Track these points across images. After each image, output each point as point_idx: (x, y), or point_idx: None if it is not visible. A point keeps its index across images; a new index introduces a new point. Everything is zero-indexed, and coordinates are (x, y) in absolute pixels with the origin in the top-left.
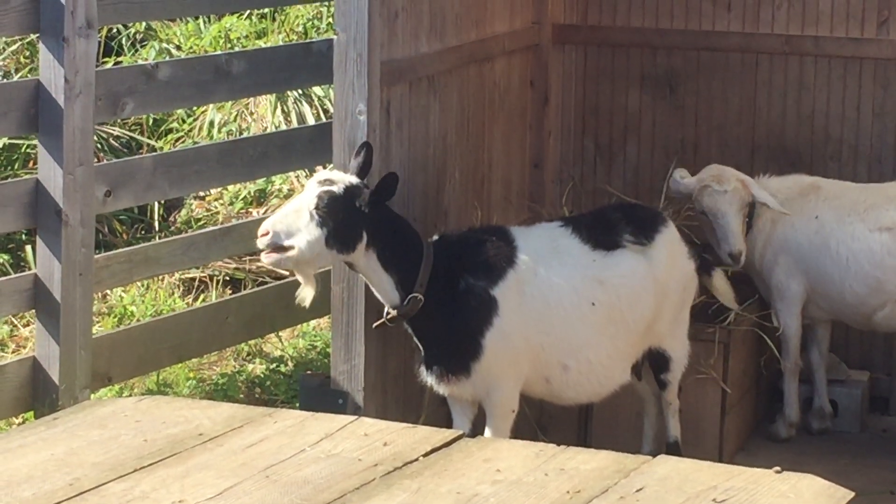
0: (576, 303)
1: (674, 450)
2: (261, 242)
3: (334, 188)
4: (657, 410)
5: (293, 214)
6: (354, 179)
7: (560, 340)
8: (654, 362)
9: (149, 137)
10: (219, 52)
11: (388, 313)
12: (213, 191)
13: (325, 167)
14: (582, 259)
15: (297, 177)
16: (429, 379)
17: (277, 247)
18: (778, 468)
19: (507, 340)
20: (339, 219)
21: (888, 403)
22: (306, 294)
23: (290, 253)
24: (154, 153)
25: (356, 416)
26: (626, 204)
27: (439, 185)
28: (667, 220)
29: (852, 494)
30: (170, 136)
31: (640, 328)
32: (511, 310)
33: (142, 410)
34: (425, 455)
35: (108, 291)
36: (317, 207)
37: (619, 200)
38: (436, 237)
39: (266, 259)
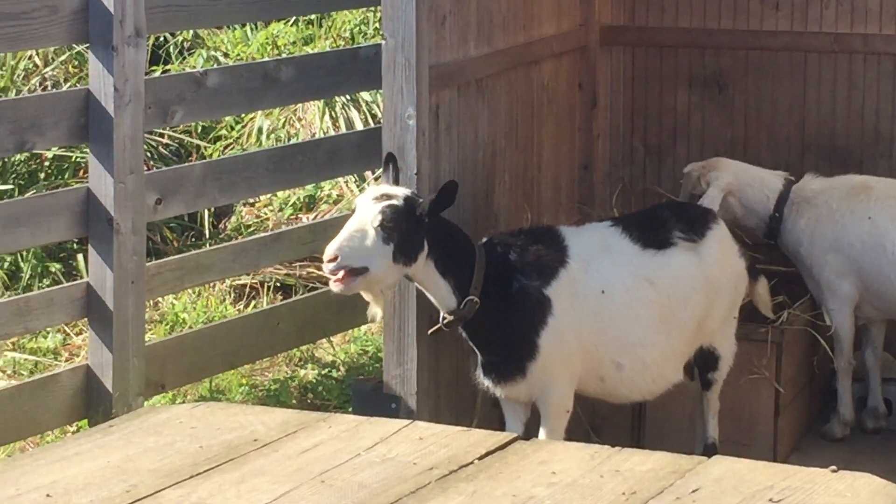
0: (627, 302)
1: (711, 452)
2: (329, 268)
3: (395, 202)
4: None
5: (358, 234)
6: (408, 190)
7: (613, 339)
8: (702, 360)
9: (200, 139)
10: (267, 59)
11: (443, 318)
12: (262, 197)
13: (373, 172)
14: (632, 258)
15: (346, 182)
16: (485, 381)
17: (348, 270)
18: (834, 467)
19: (561, 340)
20: (404, 232)
21: None
22: (377, 312)
23: (365, 275)
24: (204, 161)
25: (410, 420)
26: (676, 203)
27: (489, 188)
28: (717, 217)
29: None
30: (218, 144)
31: (691, 326)
32: (564, 309)
33: (197, 417)
34: (480, 458)
35: (160, 299)
36: (381, 224)
37: (668, 201)
38: (485, 239)
39: (337, 287)
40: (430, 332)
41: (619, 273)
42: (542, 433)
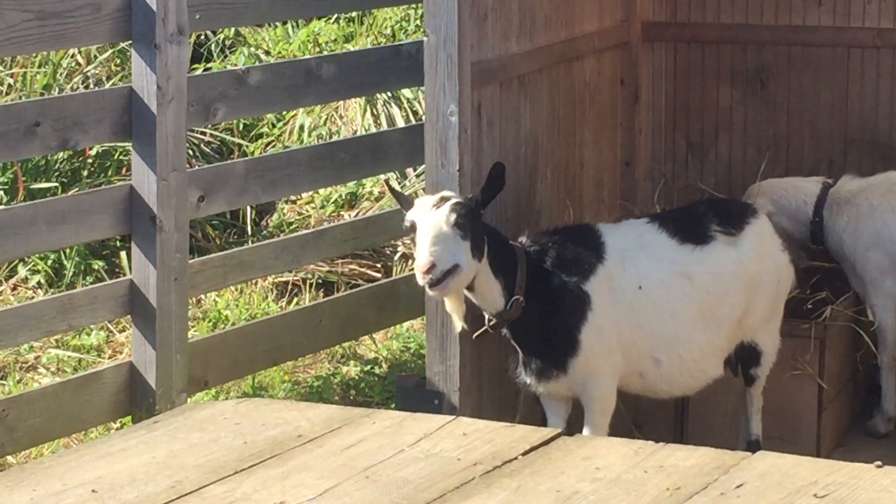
0: (664, 297)
1: (755, 448)
2: (427, 279)
3: (458, 199)
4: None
5: (439, 238)
6: (452, 193)
7: (650, 334)
8: (744, 356)
9: (241, 138)
10: (308, 57)
11: (490, 321)
12: (304, 194)
13: (415, 169)
14: (669, 253)
15: (388, 179)
16: (527, 378)
17: (442, 274)
18: (879, 462)
19: (601, 335)
20: (473, 227)
21: None
22: (459, 322)
23: (456, 273)
24: (246, 158)
25: (454, 416)
26: (714, 199)
27: (531, 184)
28: (757, 211)
29: None
30: (260, 141)
31: (731, 322)
32: (603, 304)
33: (241, 413)
34: (524, 454)
35: (203, 296)
36: (456, 222)
37: (710, 197)
38: (522, 238)
39: (437, 292)
40: (475, 336)
41: (656, 268)
42: (585, 429)
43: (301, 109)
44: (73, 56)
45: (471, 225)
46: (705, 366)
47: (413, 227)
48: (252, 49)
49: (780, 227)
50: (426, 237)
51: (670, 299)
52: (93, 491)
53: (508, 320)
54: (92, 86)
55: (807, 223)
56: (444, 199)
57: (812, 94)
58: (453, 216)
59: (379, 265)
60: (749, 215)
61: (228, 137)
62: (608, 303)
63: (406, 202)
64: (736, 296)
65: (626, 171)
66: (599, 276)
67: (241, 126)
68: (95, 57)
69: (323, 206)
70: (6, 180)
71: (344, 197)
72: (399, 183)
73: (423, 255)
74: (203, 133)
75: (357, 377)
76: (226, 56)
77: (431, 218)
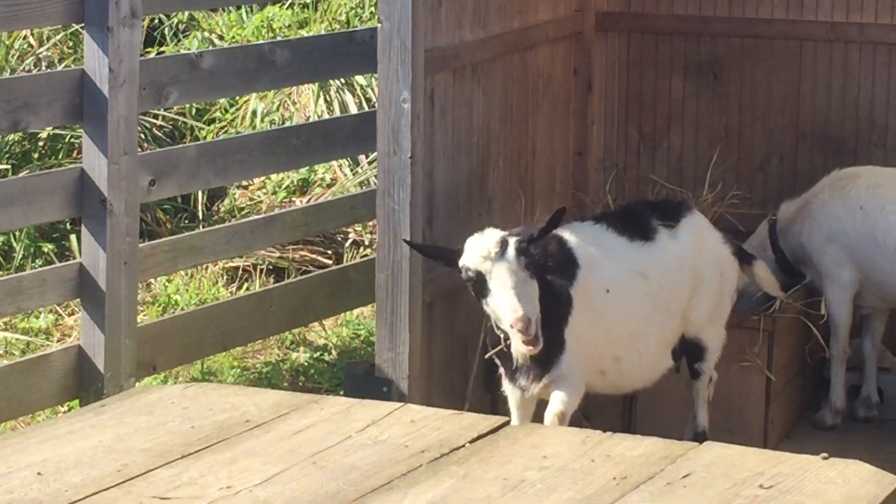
0: (626, 298)
1: (701, 440)
2: (528, 335)
3: (520, 238)
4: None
5: (520, 288)
6: (498, 231)
7: (614, 335)
8: (688, 351)
9: (195, 119)
10: (262, 42)
11: (506, 337)
12: (256, 180)
13: (367, 156)
14: (624, 253)
15: (340, 166)
16: (524, 382)
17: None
18: (825, 454)
19: (578, 338)
20: (534, 263)
21: None
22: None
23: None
24: (198, 143)
25: (402, 403)
26: (650, 200)
27: (483, 173)
28: (692, 206)
29: None
30: (213, 126)
31: (679, 314)
32: (579, 309)
33: (189, 397)
34: (472, 441)
35: (153, 280)
36: (526, 266)
37: (661, 188)
38: None
39: (533, 348)
40: (488, 356)
41: (618, 271)
42: (555, 408)
43: (254, 95)
44: (25, 38)
45: (534, 261)
46: (660, 358)
47: (479, 279)
48: (205, 33)
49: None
50: (506, 288)
51: (630, 299)
52: (38, 473)
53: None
54: (44, 68)
55: (775, 266)
56: (503, 242)
57: (764, 86)
58: (523, 259)
59: (330, 252)
60: (684, 210)
61: (181, 119)
62: (582, 308)
63: (444, 254)
64: (682, 288)
65: (578, 160)
66: (580, 282)
67: (194, 111)
68: (48, 38)
69: (275, 192)
70: None
71: (296, 183)
72: (351, 169)
73: (512, 309)
74: (155, 117)
75: (306, 363)
76: (179, 40)
77: (503, 266)
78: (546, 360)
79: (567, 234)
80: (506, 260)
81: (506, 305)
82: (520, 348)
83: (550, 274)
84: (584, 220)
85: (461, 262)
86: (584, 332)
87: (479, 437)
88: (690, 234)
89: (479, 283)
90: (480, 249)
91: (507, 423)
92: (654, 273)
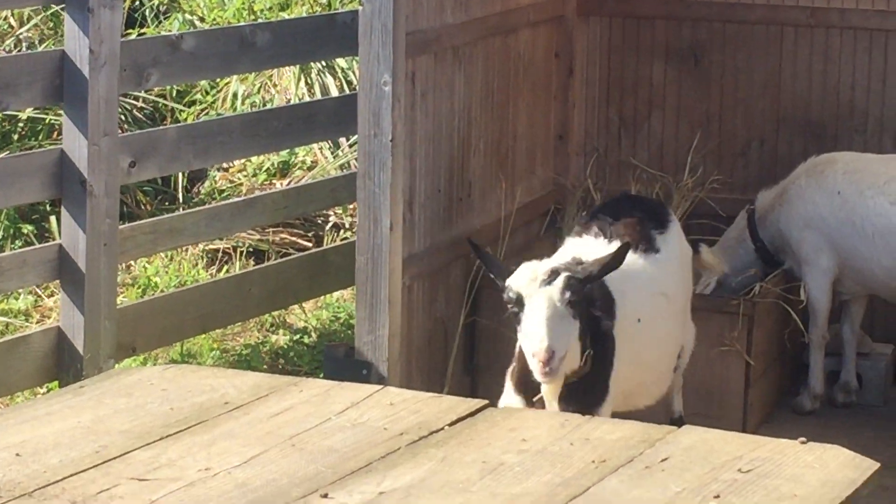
0: (654, 323)
1: (678, 424)
2: (549, 367)
3: (572, 273)
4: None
5: (554, 320)
6: (553, 262)
7: (643, 361)
8: None
9: (176, 102)
10: (243, 24)
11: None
12: (236, 162)
13: (347, 139)
14: (643, 274)
15: (321, 148)
16: None
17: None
18: (803, 439)
19: (616, 375)
20: (583, 304)
21: None
22: (554, 402)
23: (568, 357)
24: (178, 124)
25: (381, 386)
26: (633, 198)
27: (464, 156)
28: (669, 208)
29: (877, 465)
30: (193, 108)
31: (682, 321)
32: (620, 345)
33: (168, 379)
34: (451, 424)
35: (132, 262)
36: (569, 302)
37: (642, 173)
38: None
39: (548, 379)
40: (535, 399)
41: (643, 294)
42: None
43: (235, 77)
44: (5, 18)
45: (581, 303)
46: (671, 369)
47: (518, 301)
48: (186, 15)
49: (739, 284)
50: (539, 317)
51: (657, 324)
52: (17, 455)
53: (580, 377)
54: (24, 48)
55: (755, 255)
56: (554, 273)
57: (745, 71)
58: (567, 294)
59: (310, 234)
60: (669, 212)
61: (161, 101)
62: (621, 344)
63: (497, 267)
64: (682, 295)
65: (559, 144)
66: (618, 318)
67: (175, 93)
68: (28, 19)
69: (255, 175)
70: None
71: (276, 165)
72: (332, 152)
73: (538, 339)
74: (136, 99)
75: (286, 346)
76: (160, 21)
77: (544, 295)
78: (587, 406)
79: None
80: (550, 289)
81: (535, 334)
82: (536, 376)
83: (599, 310)
84: (573, 224)
85: (507, 281)
86: (621, 367)
87: (459, 419)
88: (676, 236)
89: (518, 306)
90: (529, 273)
91: (487, 406)
92: (671, 290)
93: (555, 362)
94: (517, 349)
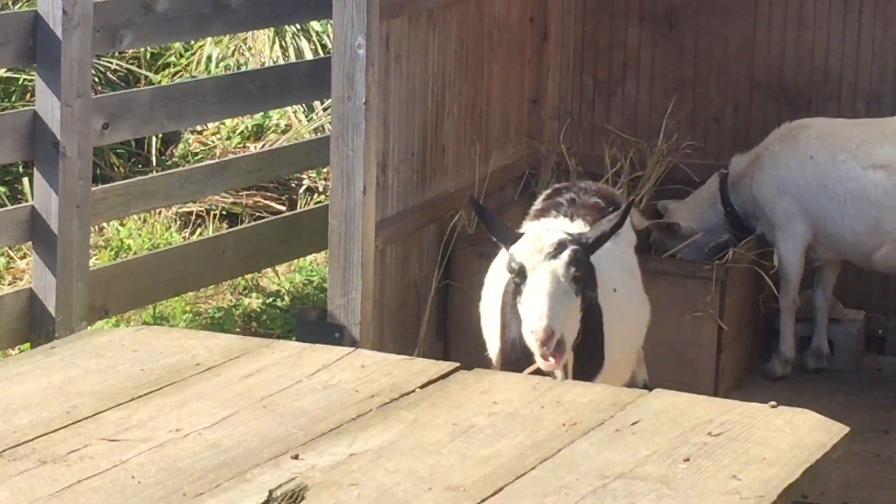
0: (626, 296)
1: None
2: (548, 347)
3: (577, 246)
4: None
5: (556, 297)
6: (562, 231)
7: (619, 334)
8: None
9: (147, 70)
10: None
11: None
12: (210, 125)
13: (322, 102)
14: (609, 250)
15: (294, 112)
16: None
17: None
18: (773, 403)
19: (610, 347)
20: (587, 277)
21: (884, 343)
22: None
23: (569, 346)
24: (152, 86)
25: (353, 348)
26: (589, 185)
27: (438, 120)
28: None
29: (847, 430)
30: (167, 71)
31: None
32: (606, 316)
33: (139, 340)
34: (422, 387)
35: (105, 224)
36: (574, 277)
37: (616, 137)
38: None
39: (549, 364)
40: (528, 372)
41: (614, 270)
42: None
43: (209, 39)
44: None
45: (585, 276)
46: (640, 344)
47: (521, 272)
48: None
49: (708, 245)
50: (541, 293)
51: (629, 297)
52: None
53: (573, 348)
54: None
55: (724, 220)
56: (560, 245)
57: (720, 36)
58: (572, 269)
59: (283, 198)
60: (615, 193)
61: (135, 69)
62: (606, 314)
63: (502, 231)
64: (637, 273)
65: (532, 109)
66: (600, 286)
67: (149, 55)
68: None
69: (229, 138)
70: None
71: (250, 129)
72: (306, 115)
73: (538, 316)
74: (109, 62)
75: (259, 309)
76: None
77: (548, 268)
78: (586, 376)
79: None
80: (554, 263)
81: (534, 309)
82: (538, 360)
83: (589, 286)
84: (545, 203)
85: (511, 249)
86: (609, 335)
87: (430, 382)
88: (629, 222)
89: (520, 278)
90: (535, 243)
91: (458, 368)
92: (632, 269)
93: (552, 342)
94: (498, 329)
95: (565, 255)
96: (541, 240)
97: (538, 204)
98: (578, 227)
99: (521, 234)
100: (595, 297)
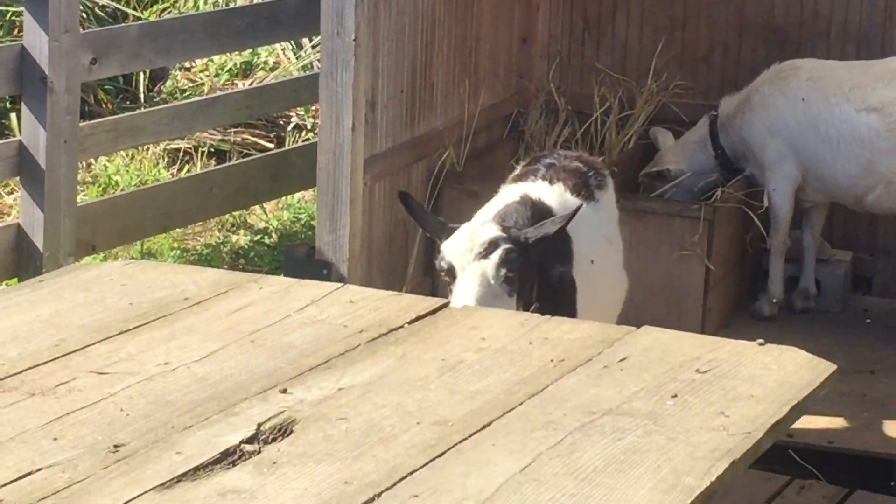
0: (602, 266)
1: None
2: None
3: (509, 245)
4: None
5: (484, 298)
6: (497, 225)
7: (596, 305)
8: None
9: (134, 9)
10: None
11: None
12: (198, 62)
13: (310, 39)
14: (589, 218)
15: (283, 49)
16: None
17: None
18: (761, 340)
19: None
20: (523, 276)
21: (870, 283)
22: None
23: None
24: (140, 22)
25: (342, 284)
26: (569, 153)
27: (427, 57)
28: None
29: (835, 368)
30: (155, 7)
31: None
32: (581, 288)
33: (127, 274)
34: (410, 322)
35: (93, 161)
36: (506, 278)
37: (605, 77)
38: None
39: None
40: None
41: (593, 237)
42: None
43: None
44: None
45: (520, 275)
46: (615, 317)
47: (450, 271)
48: None
49: (697, 186)
50: (469, 296)
51: (607, 267)
52: None
53: None
54: None
55: (714, 162)
56: (492, 245)
57: None
58: (503, 270)
59: (272, 135)
60: (598, 161)
61: (122, 7)
62: (581, 286)
63: (433, 225)
64: (618, 241)
65: (522, 47)
66: (575, 258)
67: None
68: None
69: (217, 75)
70: None
71: (238, 66)
72: (294, 53)
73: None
74: None
75: (246, 246)
76: None
77: (477, 270)
78: None
79: (547, 200)
80: (484, 264)
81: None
82: None
83: (552, 258)
84: (524, 168)
85: (442, 247)
86: (584, 308)
87: (418, 318)
88: (612, 190)
89: (449, 277)
90: (466, 242)
91: (446, 304)
92: (613, 237)
93: None
94: None
95: (496, 256)
96: (472, 238)
97: (517, 170)
98: (558, 191)
99: (454, 229)
100: (568, 270)
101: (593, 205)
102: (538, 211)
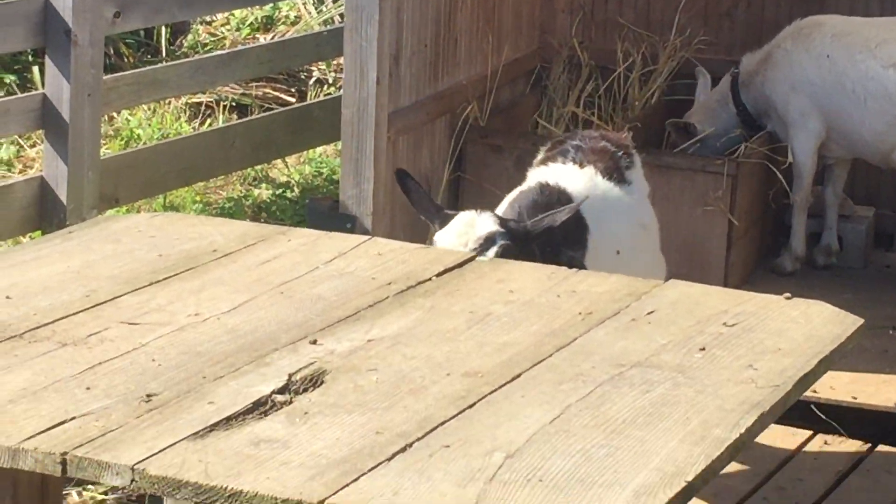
0: (635, 256)
1: None
2: None
3: (504, 241)
4: None
5: None
6: (495, 219)
7: None
8: None
9: None
10: None
11: None
12: (219, 16)
13: None
14: (621, 203)
15: (304, 3)
16: None
17: None
18: (788, 294)
19: None
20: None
21: (892, 240)
22: None
23: None
24: None
25: (369, 237)
26: (591, 133)
27: (451, 11)
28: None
29: (861, 321)
30: None
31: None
32: None
33: (156, 226)
34: (438, 275)
35: (115, 114)
36: None
37: (629, 32)
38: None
39: None
40: None
41: (623, 226)
42: None
43: None
44: None
45: None
46: None
47: None
48: None
49: (720, 141)
50: None
51: (636, 255)
52: (7, 297)
53: None
54: None
55: (736, 119)
56: (489, 240)
57: None
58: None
59: (293, 90)
60: (621, 136)
61: None
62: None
63: (429, 210)
64: (654, 224)
65: (545, 2)
66: (590, 249)
67: None
68: None
69: (238, 29)
70: None
71: (260, 20)
72: (316, 7)
73: None
74: None
75: (269, 200)
76: None
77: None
78: None
79: (567, 186)
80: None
81: None
82: None
83: (560, 244)
84: (549, 152)
85: (436, 237)
86: None
87: (446, 270)
88: (641, 169)
89: None
90: (460, 234)
91: (473, 257)
92: (648, 220)
93: None
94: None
95: (492, 253)
96: (468, 231)
97: (542, 154)
98: (588, 175)
99: (450, 216)
100: (579, 256)
101: (626, 188)
102: (554, 197)
